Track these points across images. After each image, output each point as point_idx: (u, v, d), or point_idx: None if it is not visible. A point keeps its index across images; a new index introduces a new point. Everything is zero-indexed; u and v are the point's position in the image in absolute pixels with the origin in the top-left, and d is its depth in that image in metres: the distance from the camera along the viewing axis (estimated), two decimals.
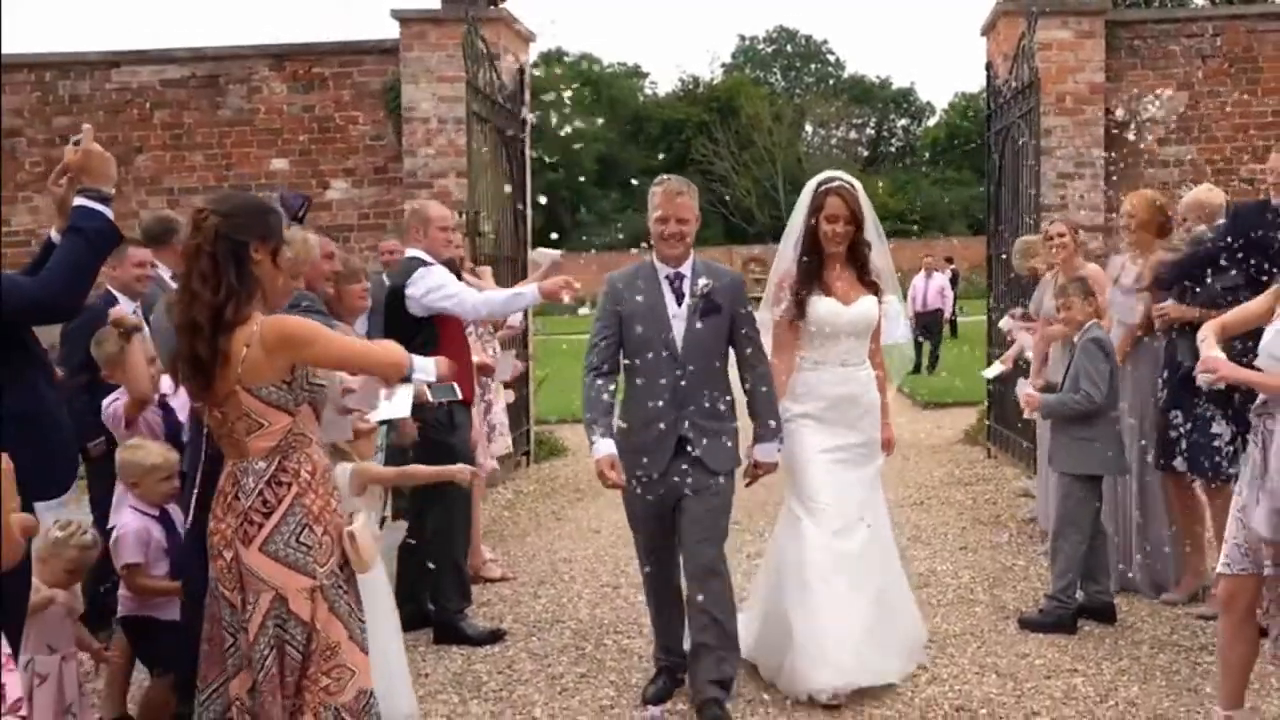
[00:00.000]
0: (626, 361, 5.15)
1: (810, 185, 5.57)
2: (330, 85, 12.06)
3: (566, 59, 56.46)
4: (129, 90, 12.08)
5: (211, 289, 3.70)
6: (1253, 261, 5.77)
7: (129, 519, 4.84)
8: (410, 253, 6.29)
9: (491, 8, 11.69)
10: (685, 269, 5.19)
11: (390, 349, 4.00)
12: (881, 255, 5.66)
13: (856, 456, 5.50)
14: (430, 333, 5.95)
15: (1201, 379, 4.46)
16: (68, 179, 4.05)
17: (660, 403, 5.05)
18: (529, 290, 6.42)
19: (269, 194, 6.73)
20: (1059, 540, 6.29)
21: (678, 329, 5.11)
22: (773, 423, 5.27)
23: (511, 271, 11.39)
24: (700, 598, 5.03)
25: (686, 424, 5.08)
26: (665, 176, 5.24)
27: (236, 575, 3.71)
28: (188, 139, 12.06)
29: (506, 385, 8.43)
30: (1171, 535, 6.64)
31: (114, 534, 4.85)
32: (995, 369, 9.56)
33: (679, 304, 5.14)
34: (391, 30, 11.70)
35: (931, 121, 66.66)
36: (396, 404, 4.67)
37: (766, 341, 5.45)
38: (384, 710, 4.49)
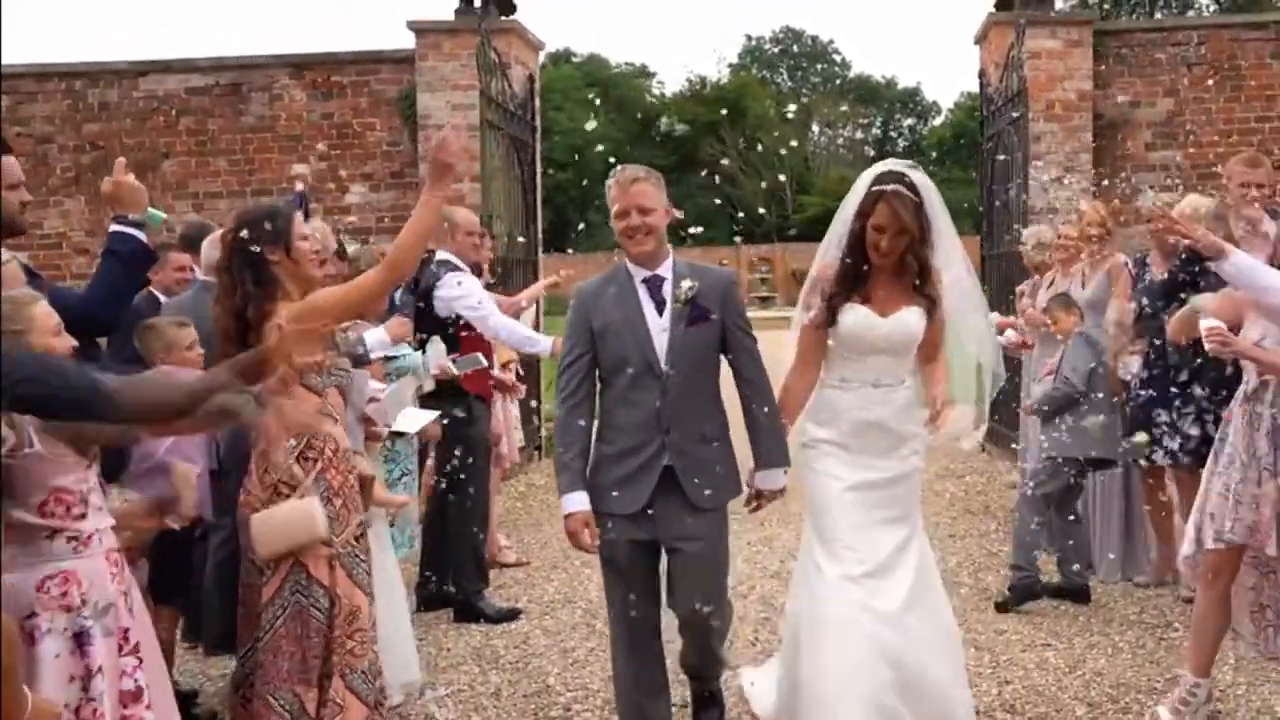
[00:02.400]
0: (601, 383, 4.47)
1: (864, 178, 4.65)
2: (348, 93, 12.51)
3: (574, 59, 56.90)
4: (155, 98, 12.53)
5: (231, 297, 4.20)
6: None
7: None
8: (440, 255, 6.75)
9: (502, 18, 12.15)
10: (664, 270, 4.45)
11: (371, 285, 4.26)
12: (955, 262, 4.79)
13: (888, 496, 4.63)
14: (456, 330, 6.42)
15: (1209, 346, 4.82)
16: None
17: (640, 429, 4.37)
18: (545, 342, 6.82)
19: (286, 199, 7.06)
20: (1022, 509, 6.76)
21: (659, 341, 4.38)
22: (776, 445, 4.55)
23: (523, 273, 11.88)
24: (694, 660, 4.74)
25: (671, 452, 4.37)
26: (621, 167, 4.51)
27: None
28: (212, 145, 12.51)
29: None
30: (1146, 523, 7.08)
31: None
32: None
33: (660, 312, 4.41)
34: (407, 40, 12.15)
35: (937, 121, 66.98)
36: (410, 419, 5.08)
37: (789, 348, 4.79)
38: (400, 679, 4.99)
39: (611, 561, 4.46)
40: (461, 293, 6.48)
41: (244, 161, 12.57)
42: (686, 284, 4.41)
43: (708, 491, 4.41)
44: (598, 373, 4.46)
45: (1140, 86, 11.96)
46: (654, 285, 4.44)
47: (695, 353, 4.41)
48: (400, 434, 5.79)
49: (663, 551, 4.48)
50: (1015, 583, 6.67)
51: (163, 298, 6.58)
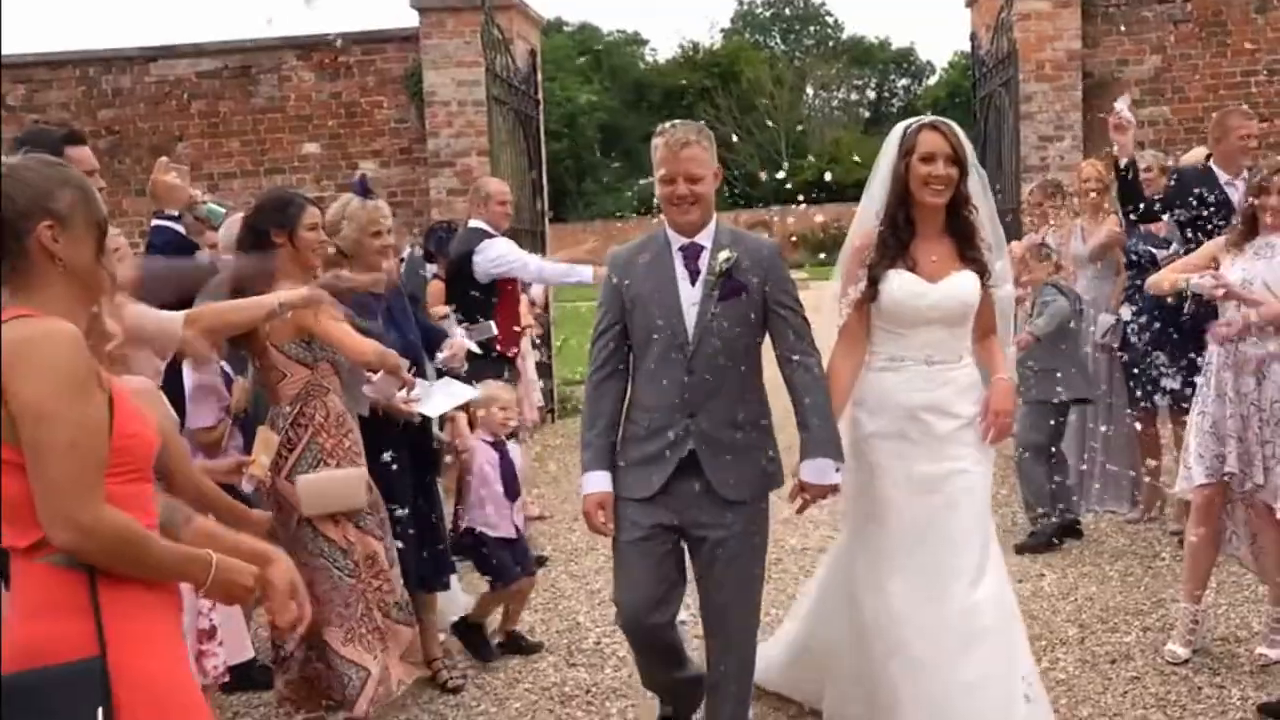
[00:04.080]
0: (634, 356, 4.13)
1: (898, 129, 4.31)
2: (355, 73, 12.82)
3: (566, 28, 56.97)
4: (167, 83, 12.85)
5: (244, 265, 4.61)
6: (1189, 231, 6.54)
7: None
8: (472, 223, 7.09)
9: None
10: (704, 238, 4.06)
11: (361, 348, 4.54)
12: (990, 221, 4.38)
13: (955, 488, 4.16)
14: (491, 295, 6.80)
15: (1202, 283, 5.07)
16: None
17: (665, 410, 4.02)
18: (586, 270, 6.93)
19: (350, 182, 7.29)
20: (1026, 466, 7.13)
21: (689, 315, 4.00)
22: (825, 435, 4.03)
23: (530, 243, 12.22)
24: (722, 667, 4.16)
25: (696, 438, 4.00)
26: (668, 124, 4.13)
27: (274, 501, 4.50)
28: (224, 127, 12.83)
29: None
30: (1136, 463, 7.48)
31: None
32: None
33: (693, 283, 4.04)
34: (411, 20, 12.44)
35: (932, 81, 67.01)
36: (433, 404, 5.34)
37: (826, 323, 4.35)
38: (450, 615, 5.42)
39: (619, 544, 4.11)
40: (498, 254, 6.85)
41: (255, 142, 12.89)
42: (725, 254, 4.01)
43: (734, 482, 4.00)
44: (629, 346, 4.12)
45: (1128, 45, 12.27)
46: (691, 254, 4.05)
47: (728, 329, 3.98)
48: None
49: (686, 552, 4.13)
50: (1040, 527, 7.00)
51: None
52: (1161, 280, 5.63)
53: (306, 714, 4.57)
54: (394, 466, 4.88)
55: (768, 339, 4.12)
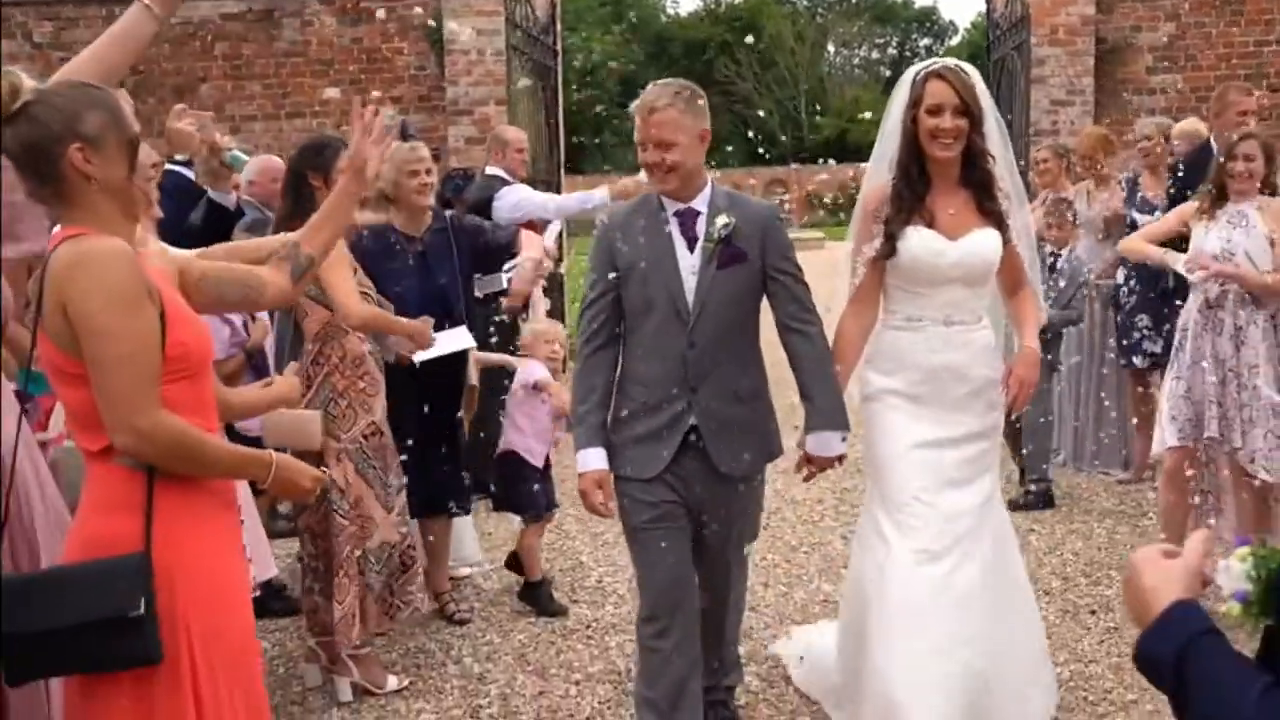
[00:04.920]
0: (626, 328, 3.92)
1: (907, 75, 4.11)
2: (376, 18, 12.90)
3: None
4: (191, 24, 12.96)
5: (284, 207, 4.81)
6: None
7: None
8: (490, 170, 7.26)
9: None
10: (699, 203, 3.85)
11: (348, 310, 4.59)
12: (1009, 171, 4.16)
13: (964, 456, 4.07)
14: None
15: (1194, 275, 5.29)
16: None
17: (664, 383, 3.84)
18: (599, 192, 6.96)
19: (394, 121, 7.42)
20: (1021, 427, 7.30)
21: (688, 284, 3.81)
22: (831, 405, 3.90)
23: (547, 191, 12.41)
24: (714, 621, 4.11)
25: (698, 412, 3.83)
26: (650, 86, 3.88)
27: None
28: (246, 70, 12.96)
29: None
30: (1124, 422, 7.67)
31: None
32: None
33: (691, 250, 3.84)
34: None
35: (954, 41, 66.60)
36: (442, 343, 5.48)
37: (842, 282, 4.22)
38: (462, 555, 5.66)
39: (634, 530, 3.93)
40: (517, 198, 7.01)
41: (277, 85, 13.01)
42: (722, 220, 3.80)
43: (737, 458, 3.87)
44: (622, 315, 3.91)
45: (1142, 11, 12.32)
46: (687, 220, 3.85)
47: (727, 299, 3.82)
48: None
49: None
50: (1037, 489, 7.14)
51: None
52: (1134, 247, 5.77)
53: (315, 636, 4.79)
54: (425, 409, 5.13)
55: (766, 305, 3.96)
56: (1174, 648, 1.59)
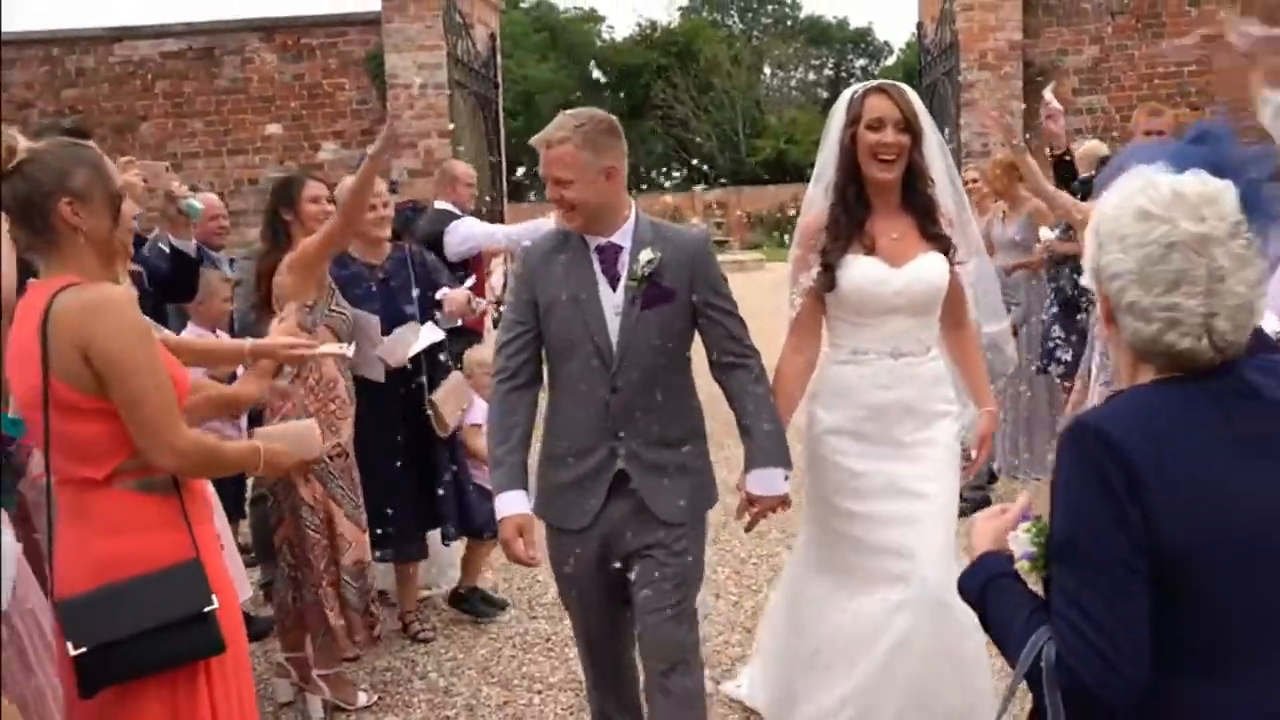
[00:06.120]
0: (549, 368, 3.69)
1: (845, 94, 3.94)
2: (318, 55, 13.13)
3: (523, 5, 57.05)
4: (131, 63, 13.10)
5: (264, 244, 5.05)
6: None
7: None
8: (439, 205, 7.44)
9: None
10: (622, 237, 3.58)
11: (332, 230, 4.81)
12: (953, 189, 3.98)
13: (915, 497, 3.82)
14: (459, 271, 7.15)
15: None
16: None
17: (589, 429, 3.57)
18: (548, 220, 6.82)
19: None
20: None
21: (611, 325, 3.54)
22: (772, 442, 3.65)
23: (491, 221, 12.59)
24: (661, 695, 3.62)
25: (624, 455, 3.56)
26: (556, 117, 3.62)
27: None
28: (188, 107, 13.11)
29: None
30: (1049, 428, 7.99)
31: None
32: None
33: (614, 288, 3.57)
34: (373, 3, 12.77)
35: (890, 61, 67.56)
36: (396, 353, 5.68)
37: (780, 310, 4.02)
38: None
39: (565, 580, 3.73)
40: (466, 232, 7.19)
41: (219, 122, 13.17)
42: (646, 255, 3.54)
43: (669, 503, 3.58)
44: (544, 354, 3.67)
45: (1067, 35, 12.81)
46: (609, 255, 3.58)
47: (654, 339, 3.55)
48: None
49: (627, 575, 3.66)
50: (973, 498, 7.39)
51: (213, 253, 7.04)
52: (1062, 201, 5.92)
53: (286, 652, 4.95)
54: (395, 435, 5.34)
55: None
56: (979, 584, 2.14)
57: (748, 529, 3.86)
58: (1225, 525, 1.91)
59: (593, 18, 65.37)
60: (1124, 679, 1.88)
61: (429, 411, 5.46)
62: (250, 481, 5.76)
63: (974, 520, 2.26)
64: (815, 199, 3.98)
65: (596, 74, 55.41)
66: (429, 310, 5.74)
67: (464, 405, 5.70)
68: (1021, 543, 2.10)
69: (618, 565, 3.62)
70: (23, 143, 2.81)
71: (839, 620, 3.92)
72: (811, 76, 69.05)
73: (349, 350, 4.56)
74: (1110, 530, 1.89)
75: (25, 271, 3.13)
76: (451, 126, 12.09)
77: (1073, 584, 1.92)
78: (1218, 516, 1.91)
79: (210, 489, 3.25)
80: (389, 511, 5.29)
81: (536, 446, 3.70)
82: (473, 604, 5.94)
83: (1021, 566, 2.10)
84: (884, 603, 3.80)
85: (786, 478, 3.68)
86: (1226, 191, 1.98)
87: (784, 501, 3.70)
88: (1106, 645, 1.87)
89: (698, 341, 3.69)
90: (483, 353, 6.20)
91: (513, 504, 3.54)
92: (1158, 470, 1.90)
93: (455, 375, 5.74)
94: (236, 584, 4.85)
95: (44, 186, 2.76)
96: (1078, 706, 1.91)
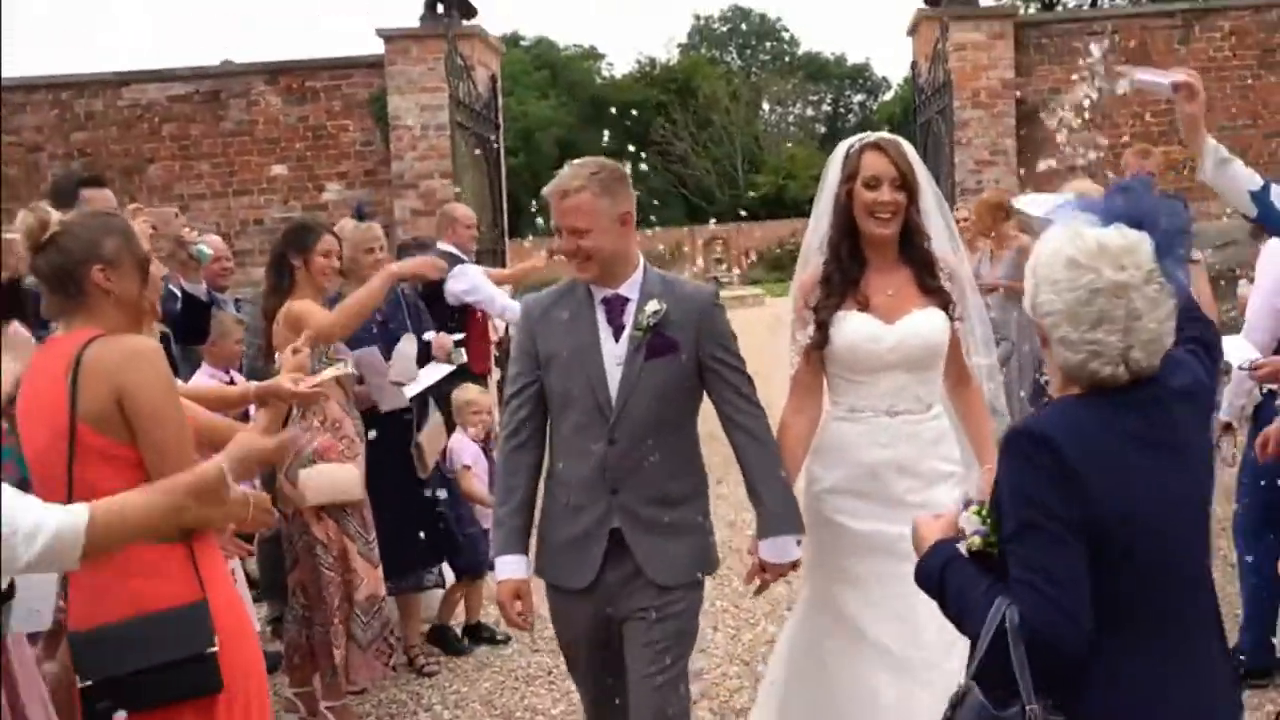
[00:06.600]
0: (551, 422, 3.62)
1: (840, 148, 3.86)
2: (322, 97, 13.31)
3: (523, 43, 57.50)
4: (139, 106, 13.28)
5: (267, 284, 5.20)
6: None
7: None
8: (441, 246, 7.59)
9: (465, 23, 13.01)
10: (629, 289, 3.56)
11: (329, 320, 5.00)
12: (950, 244, 3.89)
13: (906, 559, 3.24)
14: (462, 316, 7.29)
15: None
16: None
17: (587, 485, 3.52)
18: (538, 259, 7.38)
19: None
20: None
21: (612, 376, 3.50)
22: (782, 507, 3.60)
23: (491, 260, 12.76)
24: None
25: (621, 515, 3.50)
26: (564, 168, 3.57)
27: (282, 493, 5.00)
28: (194, 149, 13.27)
29: None
30: None
31: None
32: None
33: (617, 339, 3.53)
34: (376, 46, 12.97)
35: (887, 96, 67.97)
36: (422, 377, 5.92)
37: (783, 354, 3.95)
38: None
39: (567, 641, 3.71)
40: (471, 284, 7.32)
41: (225, 164, 13.32)
42: (652, 307, 3.50)
43: (665, 566, 3.51)
44: (547, 409, 3.61)
45: (1059, 74, 12.98)
46: (614, 307, 3.55)
47: (655, 393, 3.49)
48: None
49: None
50: None
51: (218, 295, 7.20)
52: None
53: (295, 687, 5.07)
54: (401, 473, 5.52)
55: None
56: (938, 565, 2.45)
57: (757, 593, 3.82)
58: (1137, 506, 2.31)
59: (593, 55, 65.91)
60: (1078, 627, 2.24)
61: (413, 451, 5.61)
62: None
63: (916, 523, 2.60)
64: (811, 255, 3.92)
65: (596, 110, 55.74)
66: (427, 352, 5.93)
67: (440, 445, 5.87)
68: (972, 523, 2.44)
69: (612, 630, 3.55)
70: (54, 215, 2.99)
71: (839, 692, 3.78)
72: (810, 112, 69.55)
73: (350, 369, 4.68)
74: (1057, 510, 2.26)
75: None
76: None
77: (1033, 555, 2.27)
78: (1132, 499, 2.31)
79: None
80: (396, 545, 5.43)
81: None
82: (448, 640, 6.09)
83: (973, 542, 2.42)
84: (883, 684, 3.67)
85: (799, 542, 3.64)
86: (1143, 243, 2.35)
87: (795, 565, 3.69)
88: (1064, 599, 2.24)
89: (710, 405, 3.64)
90: (470, 393, 6.33)
91: (510, 569, 3.53)
92: (1085, 462, 2.28)
93: (435, 417, 5.88)
94: None
95: (76, 256, 2.95)
96: (1039, 657, 2.25)
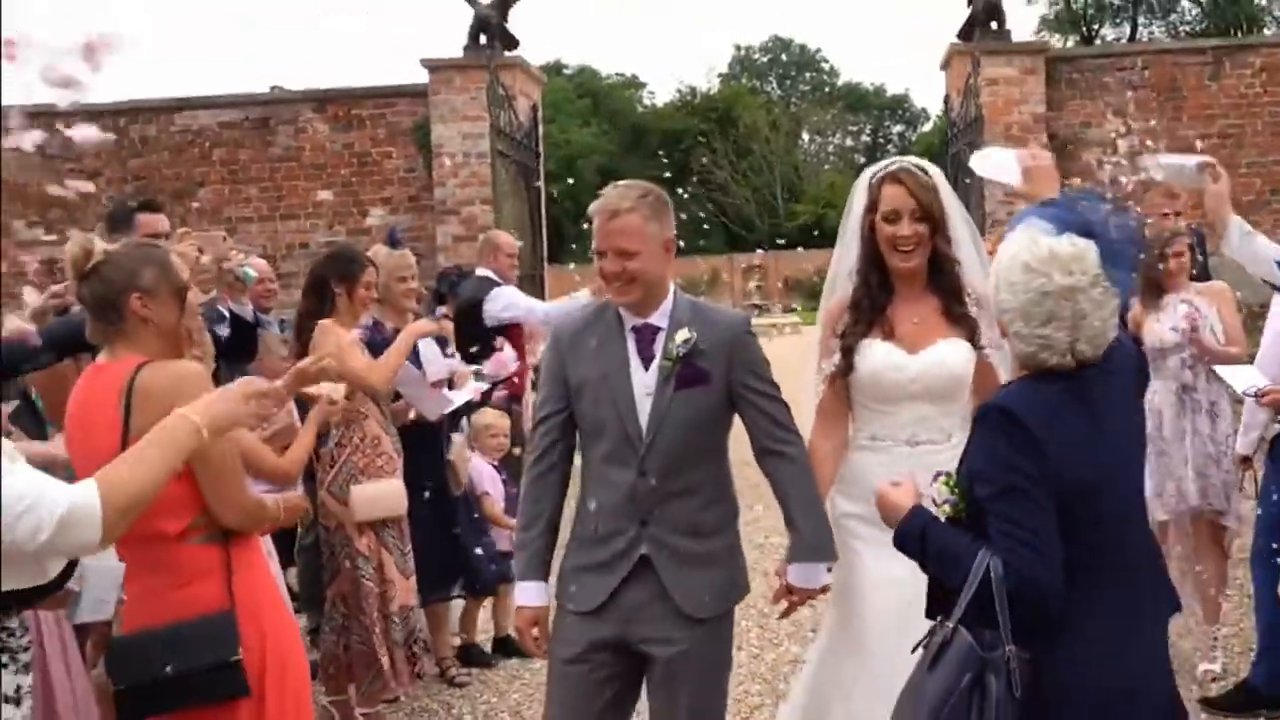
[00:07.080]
0: (582, 449, 3.59)
1: (863, 178, 3.84)
2: (367, 125, 13.64)
3: (565, 71, 57.99)
4: (190, 132, 13.65)
5: (305, 306, 5.43)
6: None
7: None
8: (481, 272, 7.82)
9: (507, 54, 13.32)
10: (659, 317, 3.50)
11: (380, 378, 5.28)
12: (982, 274, 3.72)
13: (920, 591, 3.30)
14: (499, 335, 7.49)
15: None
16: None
17: (615, 514, 3.46)
18: (583, 294, 7.21)
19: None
20: None
21: (642, 406, 3.44)
22: (815, 534, 3.55)
23: (530, 287, 13.01)
24: None
25: (650, 545, 3.43)
26: (609, 188, 3.53)
27: (325, 508, 5.25)
28: (243, 174, 13.62)
29: None
30: None
31: None
32: None
33: (646, 369, 3.48)
34: (421, 76, 13.30)
35: (926, 127, 67.97)
36: (455, 397, 6.15)
37: (810, 384, 3.91)
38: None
39: (553, 663, 3.54)
40: (507, 302, 7.52)
41: (272, 189, 13.66)
42: (683, 335, 3.45)
43: (695, 596, 3.43)
44: (578, 436, 3.58)
45: (1090, 109, 13.14)
46: (645, 336, 3.50)
47: (686, 423, 3.44)
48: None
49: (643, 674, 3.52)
50: None
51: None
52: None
53: (330, 696, 5.29)
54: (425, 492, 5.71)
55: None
56: (918, 528, 2.77)
57: (783, 616, 3.78)
58: (1091, 472, 2.69)
59: (634, 84, 66.28)
60: (1054, 575, 2.59)
61: (447, 471, 5.86)
62: (299, 529, 6.14)
63: (880, 492, 2.92)
64: (838, 281, 3.91)
65: (637, 139, 56.12)
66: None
67: (467, 464, 6.15)
68: (943, 493, 2.77)
69: (620, 660, 3.46)
70: (99, 245, 3.22)
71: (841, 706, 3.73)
72: (849, 142, 69.62)
73: (339, 393, 4.62)
74: (1030, 474, 2.62)
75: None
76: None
77: (1015, 513, 2.62)
78: (1086, 465, 2.68)
79: (266, 538, 3.63)
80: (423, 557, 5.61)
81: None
82: (473, 657, 6.28)
83: (944, 511, 2.75)
84: None
85: (829, 569, 3.62)
86: (1090, 250, 2.72)
87: (823, 591, 3.65)
88: (1043, 548, 2.59)
89: (739, 431, 3.58)
90: (488, 417, 6.55)
91: (530, 595, 3.50)
92: (1047, 432, 2.64)
93: (458, 438, 6.12)
94: None
95: (116, 285, 3.17)
96: (1020, 603, 2.58)
